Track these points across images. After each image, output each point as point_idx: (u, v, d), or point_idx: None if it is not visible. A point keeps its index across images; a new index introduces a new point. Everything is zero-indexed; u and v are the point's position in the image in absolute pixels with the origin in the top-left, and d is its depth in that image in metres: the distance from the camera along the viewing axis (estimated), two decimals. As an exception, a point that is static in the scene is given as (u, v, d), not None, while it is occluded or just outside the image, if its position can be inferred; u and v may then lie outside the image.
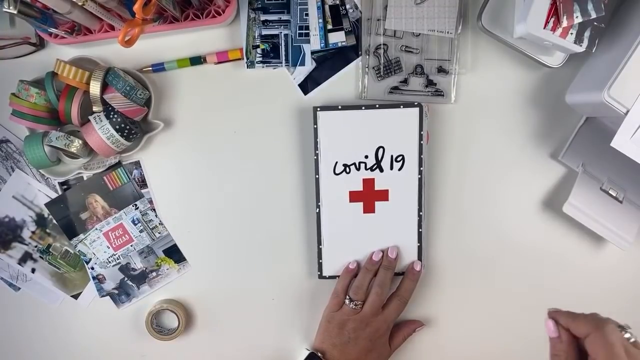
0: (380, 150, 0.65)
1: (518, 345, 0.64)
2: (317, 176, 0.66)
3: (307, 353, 0.64)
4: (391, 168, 0.65)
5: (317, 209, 0.66)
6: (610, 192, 0.65)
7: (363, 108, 0.64)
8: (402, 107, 0.64)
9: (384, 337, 0.65)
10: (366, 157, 0.65)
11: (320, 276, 0.67)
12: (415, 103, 0.64)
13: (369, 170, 0.66)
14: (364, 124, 0.65)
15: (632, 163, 0.55)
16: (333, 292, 0.66)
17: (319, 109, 0.64)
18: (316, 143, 0.65)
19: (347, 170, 0.66)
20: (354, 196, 0.66)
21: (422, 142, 0.64)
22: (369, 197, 0.66)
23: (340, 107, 0.64)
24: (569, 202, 0.64)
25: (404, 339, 0.67)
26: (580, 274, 0.69)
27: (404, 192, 0.66)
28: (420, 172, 0.65)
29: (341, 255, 0.67)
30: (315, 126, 0.65)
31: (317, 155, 0.65)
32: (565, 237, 0.69)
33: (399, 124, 0.64)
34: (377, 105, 0.64)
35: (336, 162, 0.65)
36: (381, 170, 0.65)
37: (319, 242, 0.67)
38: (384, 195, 0.66)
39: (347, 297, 0.65)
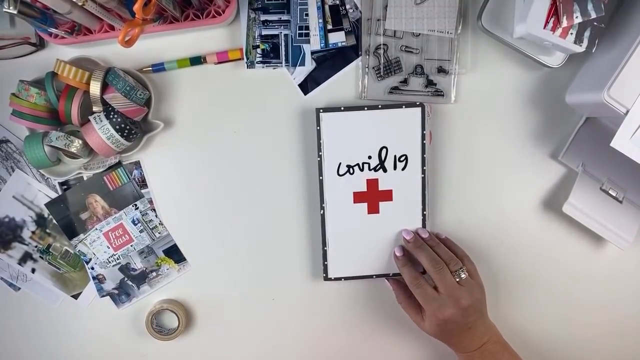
0: (384, 151, 0.65)
1: (517, 346, 0.64)
2: (320, 177, 0.66)
3: None
4: (394, 168, 0.65)
5: (322, 211, 0.66)
6: (610, 192, 0.65)
7: (365, 109, 0.64)
8: (404, 107, 0.64)
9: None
10: (369, 157, 0.65)
11: (326, 278, 0.67)
12: (418, 103, 0.64)
13: (373, 170, 0.65)
14: (367, 124, 0.64)
15: (632, 163, 0.55)
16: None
17: (321, 111, 0.64)
18: (319, 144, 0.65)
19: (351, 171, 0.66)
20: (358, 197, 0.66)
21: (424, 141, 0.64)
22: (373, 197, 0.66)
23: (342, 108, 0.64)
24: (569, 202, 0.64)
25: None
26: (580, 274, 0.69)
27: (408, 191, 0.66)
28: (423, 172, 0.65)
29: (346, 256, 0.67)
30: (318, 127, 0.65)
31: (320, 156, 0.65)
32: (565, 237, 0.69)
33: (401, 124, 0.64)
34: (379, 106, 0.64)
35: (340, 163, 0.65)
36: (385, 170, 0.65)
37: (324, 244, 0.67)
38: (387, 195, 0.66)
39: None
